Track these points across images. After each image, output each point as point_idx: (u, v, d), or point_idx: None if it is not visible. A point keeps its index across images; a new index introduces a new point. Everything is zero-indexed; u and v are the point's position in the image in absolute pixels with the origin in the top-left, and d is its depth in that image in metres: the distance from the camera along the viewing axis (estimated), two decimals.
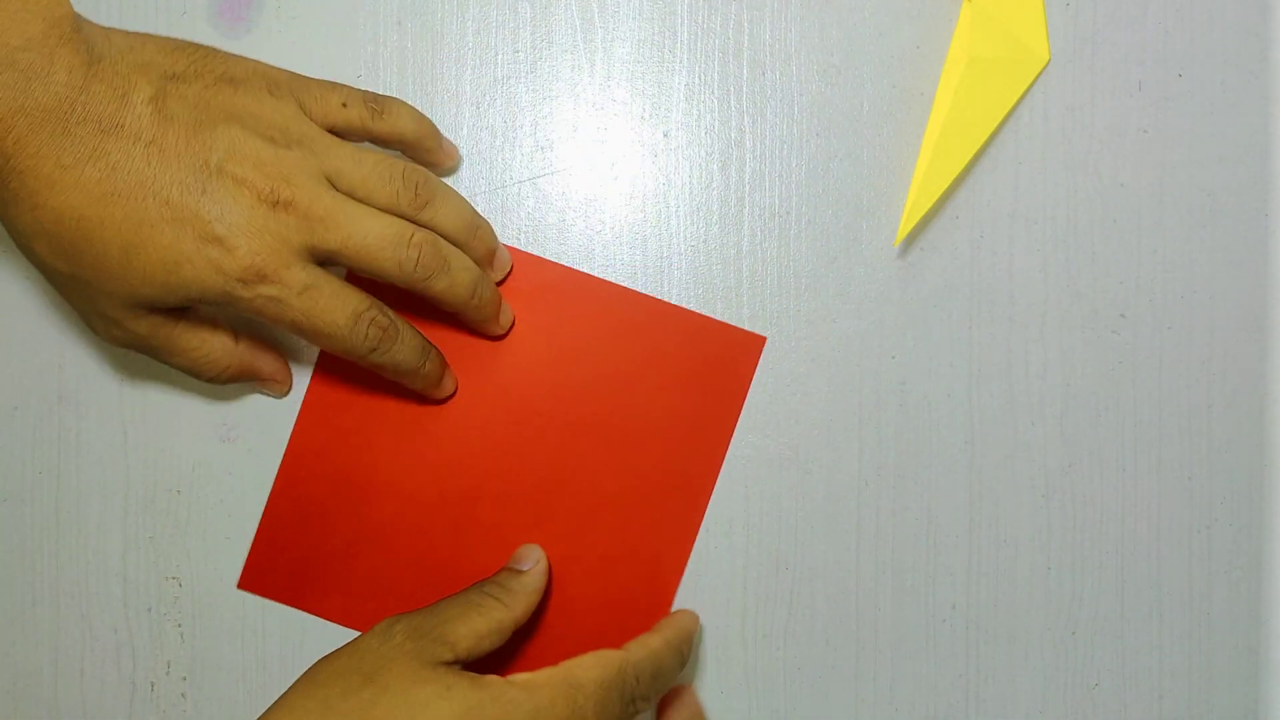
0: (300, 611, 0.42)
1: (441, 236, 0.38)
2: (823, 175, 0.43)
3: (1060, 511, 0.44)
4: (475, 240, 0.40)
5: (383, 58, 0.43)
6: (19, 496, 0.42)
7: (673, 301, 0.43)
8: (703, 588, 0.43)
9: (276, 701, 0.34)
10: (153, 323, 0.36)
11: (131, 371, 0.43)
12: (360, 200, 0.36)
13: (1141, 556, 0.44)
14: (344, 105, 0.38)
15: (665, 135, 0.43)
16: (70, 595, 0.43)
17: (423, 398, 0.42)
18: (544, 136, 0.43)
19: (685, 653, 0.40)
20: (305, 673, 0.35)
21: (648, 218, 0.43)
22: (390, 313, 0.38)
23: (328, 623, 0.42)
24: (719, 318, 0.43)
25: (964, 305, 0.43)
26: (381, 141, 0.39)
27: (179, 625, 0.43)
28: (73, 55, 0.32)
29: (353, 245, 0.35)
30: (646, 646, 0.38)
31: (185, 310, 0.37)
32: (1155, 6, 0.44)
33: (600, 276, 0.42)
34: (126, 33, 0.35)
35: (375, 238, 0.36)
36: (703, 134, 0.43)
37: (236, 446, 0.43)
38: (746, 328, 0.43)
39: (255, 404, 0.43)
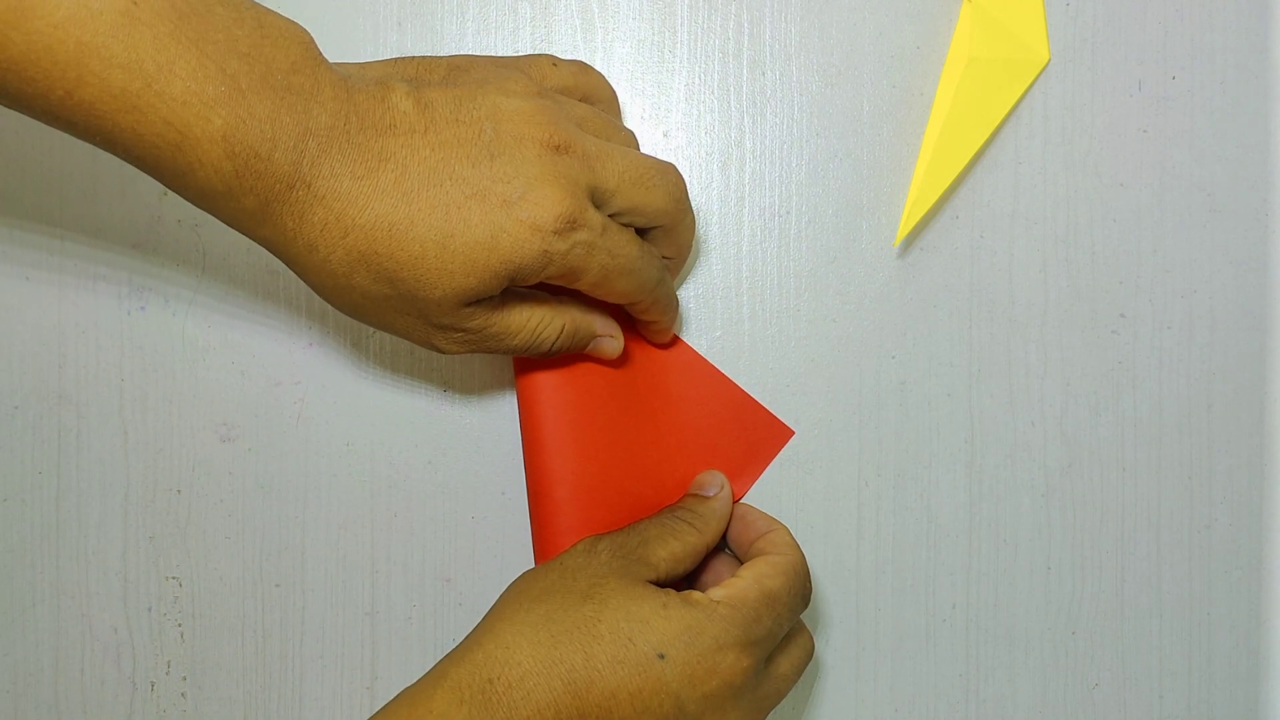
0: (298, 610, 0.43)
1: None
2: (823, 175, 0.43)
3: (1060, 511, 0.44)
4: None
5: (383, 58, 0.43)
6: (19, 496, 0.42)
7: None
8: None
9: (491, 616, 0.35)
10: (484, 314, 0.35)
11: (131, 371, 0.43)
12: None
13: (1141, 556, 0.44)
14: (554, 65, 0.38)
15: (665, 135, 0.43)
16: (70, 595, 0.42)
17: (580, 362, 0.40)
18: None
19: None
20: (511, 591, 0.36)
21: None
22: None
23: (327, 622, 0.42)
24: (719, 317, 0.43)
25: (964, 305, 0.43)
26: (586, 99, 0.39)
27: (179, 625, 0.43)
28: (330, 72, 0.33)
29: (628, 178, 0.36)
30: (789, 545, 0.39)
31: (506, 293, 0.36)
32: (1155, 6, 0.44)
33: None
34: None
35: (643, 169, 0.36)
36: (702, 134, 0.43)
37: (236, 446, 0.43)
38: (746, 327, 0.43)
39: (255, 404, 0.43)
